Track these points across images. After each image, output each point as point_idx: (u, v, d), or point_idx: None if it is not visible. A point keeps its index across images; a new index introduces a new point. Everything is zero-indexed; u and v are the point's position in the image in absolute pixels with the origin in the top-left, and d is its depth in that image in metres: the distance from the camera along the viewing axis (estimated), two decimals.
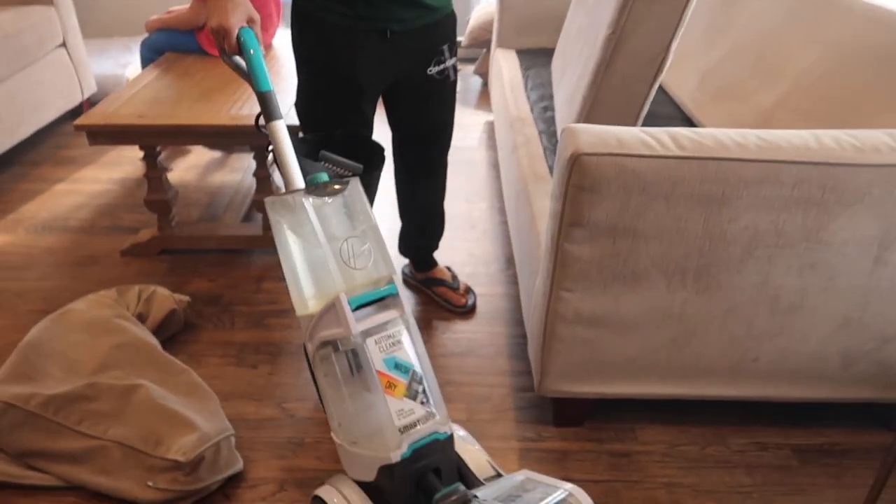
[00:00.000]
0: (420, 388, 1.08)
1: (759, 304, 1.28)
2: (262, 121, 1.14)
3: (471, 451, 1.20)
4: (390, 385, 1.04)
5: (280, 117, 1.12)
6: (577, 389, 1.38)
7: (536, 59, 2.64)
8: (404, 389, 1.06)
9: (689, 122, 2.09)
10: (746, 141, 1.18)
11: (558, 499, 1.12)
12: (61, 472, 1.30)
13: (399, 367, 1.05)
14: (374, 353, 1.03)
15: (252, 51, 1.15)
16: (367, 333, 1.02)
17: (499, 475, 1.19)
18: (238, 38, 1.16)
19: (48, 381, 1.41)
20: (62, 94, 2.79)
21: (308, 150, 1.24)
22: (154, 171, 1.92)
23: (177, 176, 2.49)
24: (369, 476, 1.10)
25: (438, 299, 1.86)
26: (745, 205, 1.19)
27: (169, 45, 2.40)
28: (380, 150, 1.36)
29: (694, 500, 1.30)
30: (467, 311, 1.83)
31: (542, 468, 1.36)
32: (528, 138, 1.97)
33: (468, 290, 1.88)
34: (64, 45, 2.80)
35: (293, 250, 1.05)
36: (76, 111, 2.90)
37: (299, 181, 1.09)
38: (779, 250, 1.23)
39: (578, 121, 1.54)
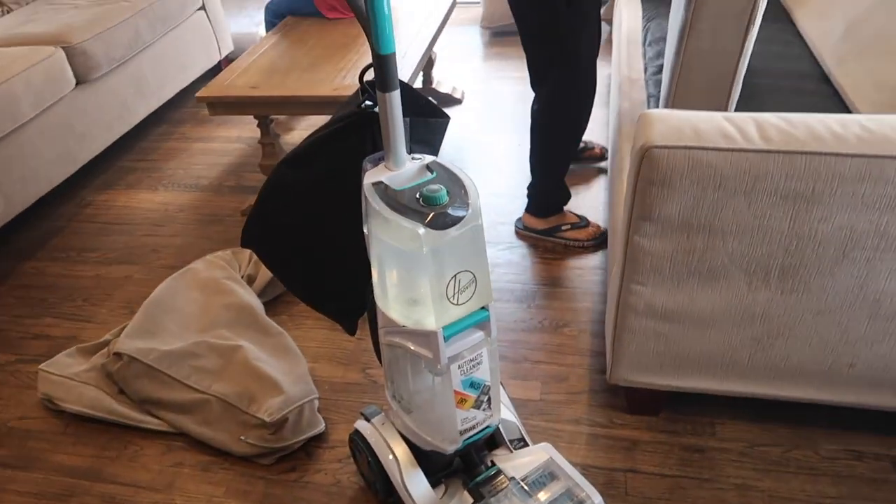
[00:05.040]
0: (486, 398, 1.11)
1: (855, 308, 1.16)
2: (367, 78, 1.02)
3: (505, 413, 1.27)
4: (462, 401, 1.08)
5: (396, 88, 0.94)
6: (648, 381, 1.35)
7: (661, 7, 2.45)
8: (473, 403, 1.09)
9: (825, 80, 1.87)
10: (846, 131, 1.06)
11: None
12: (171, 420, 1.48)
13: (473, 385, 1.07)
14: (455, 377, 1.05)
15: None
16: (452, 359, 1.02)
17: (523, 441, 1.26)
18: None
19: (165, 336, 1.59)
20: (202, 54, 3.00)
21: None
22: (267, 137, 2.04)
23: (291, 140, 2.63)
24: (417, 442, 1.17)
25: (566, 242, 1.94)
26: (840, 203, 1.07)
27: (289, 9, 2.49)
28: (441, 113, 1.20)
29: None
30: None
31: (609, 457, 1.35)
32: (634, 105, 1.86)
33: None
34: (203, 7, 2.98)
35: (390, 264, 1.00)
36: (215, 69, 3.11)
37: (403, 163, 0.99)
38: (880, 254, 1.10)
39: (668, 95, 1.44)
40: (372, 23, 0.91)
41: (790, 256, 1.14)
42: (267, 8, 2.58)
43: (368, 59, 0.97)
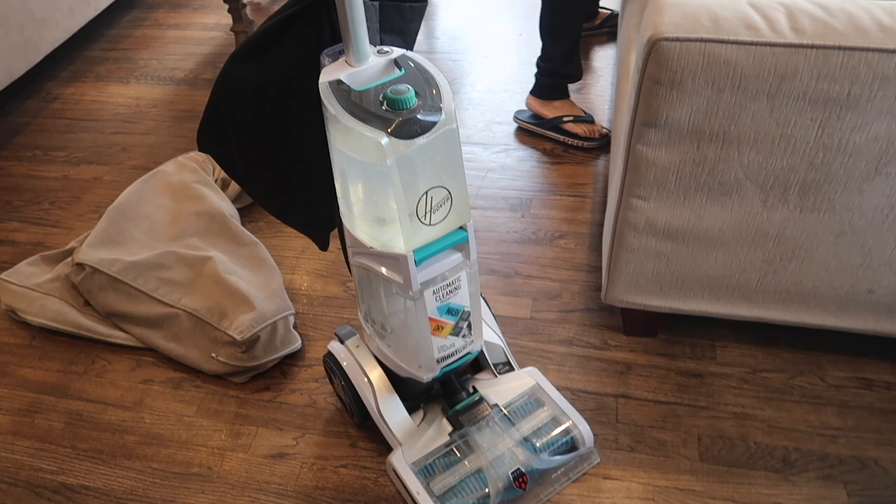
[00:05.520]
0: (465, 324, 1.01)
1: (883, 230, 1.03)
2: None
3: (490, 335, 1.20)
4: (438, 328, 0.98)
5: None
6: (646, 302, 1.24)
7: None
8: (451, 329, 0.99)
9: None
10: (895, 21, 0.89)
11: (561, 440, 1.10)
12: (140, 335, 1.40)
13: (451, 311, 0.97)
14: (430, 303, 0.94)
15: None
16: (426, 285, 0.91)
17: (509, 365, 1.19)
18: None
19: (131, 246, 1.48)
20: None
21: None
22: (240, 24, 1.85)
23: None
24: (392, 368, 1.09)
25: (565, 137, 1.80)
26: (879, 110, 0.92)
27: None
28: None
29: (766, 436, 1.17)
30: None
31: (601, 381, 1.27)
32: None
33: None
34: None
35: (354, 178, 0.87)
36: None
37: (367, 57, 0.84)
38: None
39: None
40: None
41: (814, 170, 0.99)
42: None
43: None
